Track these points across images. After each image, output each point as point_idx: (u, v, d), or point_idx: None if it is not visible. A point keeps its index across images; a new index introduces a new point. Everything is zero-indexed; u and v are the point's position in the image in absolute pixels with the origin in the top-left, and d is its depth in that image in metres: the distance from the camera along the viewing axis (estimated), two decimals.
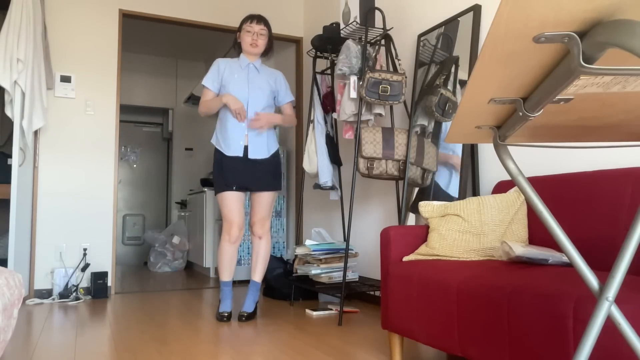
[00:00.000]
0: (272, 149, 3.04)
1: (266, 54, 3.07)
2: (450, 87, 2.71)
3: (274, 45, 5.37)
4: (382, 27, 3.16)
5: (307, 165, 3.47)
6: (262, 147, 2.98)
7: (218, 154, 2.99)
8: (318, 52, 3.51)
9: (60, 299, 3.61)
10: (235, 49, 3.12)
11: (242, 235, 2.99)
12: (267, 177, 2.99)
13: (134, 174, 6.87)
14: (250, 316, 2.94)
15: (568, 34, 0.71)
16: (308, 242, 3.24)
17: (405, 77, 2.80)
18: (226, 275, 3.00)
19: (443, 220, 2.06)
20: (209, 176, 5.61)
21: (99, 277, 3.74)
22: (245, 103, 2.95)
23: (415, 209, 2.82)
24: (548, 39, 0.72)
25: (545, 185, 2.01)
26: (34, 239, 3.72)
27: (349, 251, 3.15)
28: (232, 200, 2.94)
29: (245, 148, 2.95)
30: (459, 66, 2.68)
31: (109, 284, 3.88)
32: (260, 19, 2.99)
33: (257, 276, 3.07)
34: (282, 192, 4.68)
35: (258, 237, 3.07)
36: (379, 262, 3.44)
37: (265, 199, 3.03)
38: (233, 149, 2.94)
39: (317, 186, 3.46)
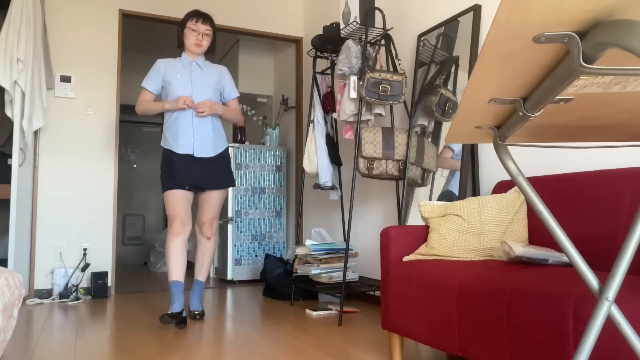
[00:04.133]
0: (220, 149, 3.00)
1: (210, 53, 3.02)
2: (450, 87, 2.71)
3: (276, 45, 5.37)
4: (382, 27, 3.16)
5: (307, 165, 3.47)
6: (207, 146, 2.94)
7: (168, 152, 2.92)
8: (318, 52, 3.51)
9: (60, 299, 3.61)
10: (179, 46, 3.09)
11: (187, 231, 2.89)
12: (216, 175, 2.95)
13: (134, 174, 6.87)
14: (202, 314, 2.95)
15: (568, 34, 0.71)
16: (308, 242, 3.24)
17: (405, 77, 2.80)
18: (175, 275, 2.84)
19: (443, 220, 2.05)
20: None
21: (99, 277, 3.74)
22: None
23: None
24: (548, 39, 0.72)
25: (545, 185, 2.01)
26: (34, 239, 3.72)
27: (349, 251, 3.15)
28: (181, 198, 2.88)
29: (193, 145, 2.91)
30: (459, 66, 2.68)
31: (109, 284, 3.88)
32: (206, 18, 2.95)
33: (203, 276, 3.07)
34: (282, 192, 4.68)
35: (207, 237, 3.05)
36: (379, 262, 3.44)
37: (215, 198, 3.00)
38: (183, 147, 2.89)
39: (317, 186, 3.46)
